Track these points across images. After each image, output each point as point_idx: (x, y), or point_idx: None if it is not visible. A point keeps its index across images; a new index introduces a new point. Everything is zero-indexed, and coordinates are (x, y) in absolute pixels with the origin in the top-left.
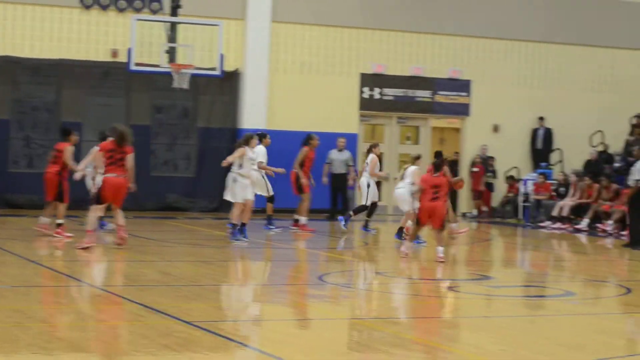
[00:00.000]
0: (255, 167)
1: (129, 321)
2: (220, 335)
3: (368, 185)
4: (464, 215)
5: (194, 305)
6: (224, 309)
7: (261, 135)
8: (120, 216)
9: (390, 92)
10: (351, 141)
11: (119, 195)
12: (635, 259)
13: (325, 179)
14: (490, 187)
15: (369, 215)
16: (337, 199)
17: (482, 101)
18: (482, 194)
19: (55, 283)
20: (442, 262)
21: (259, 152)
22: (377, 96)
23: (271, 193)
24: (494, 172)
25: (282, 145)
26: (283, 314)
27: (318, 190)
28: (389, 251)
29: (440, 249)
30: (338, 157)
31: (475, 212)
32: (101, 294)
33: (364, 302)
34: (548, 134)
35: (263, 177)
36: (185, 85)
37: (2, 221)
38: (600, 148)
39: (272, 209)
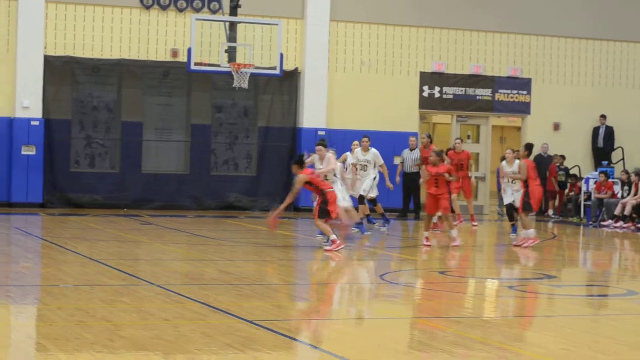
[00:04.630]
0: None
1: (191, 320)
2: (282, 334)
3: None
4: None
5: (256, 304)
6: (285, 307)
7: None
8: None
9: (450, 91)
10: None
11: None
12: None
13: (398, 179)
14: (562, 185)
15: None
16: (409, 198)
17: (543, 99)
18: (553, 193)
19: (117, 282)
20: None
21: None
22: (436, 95)
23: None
24: (566, 170)
25: (341, 145)
26: (344, 313)
27: (390, 189)
28: (451, 251)
29: None
30: (410, 156)
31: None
32: (163, 293)
33: (426, 301)
34: (609, 132)
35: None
36: (245, 84)
37: (64, 220)
38: None
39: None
